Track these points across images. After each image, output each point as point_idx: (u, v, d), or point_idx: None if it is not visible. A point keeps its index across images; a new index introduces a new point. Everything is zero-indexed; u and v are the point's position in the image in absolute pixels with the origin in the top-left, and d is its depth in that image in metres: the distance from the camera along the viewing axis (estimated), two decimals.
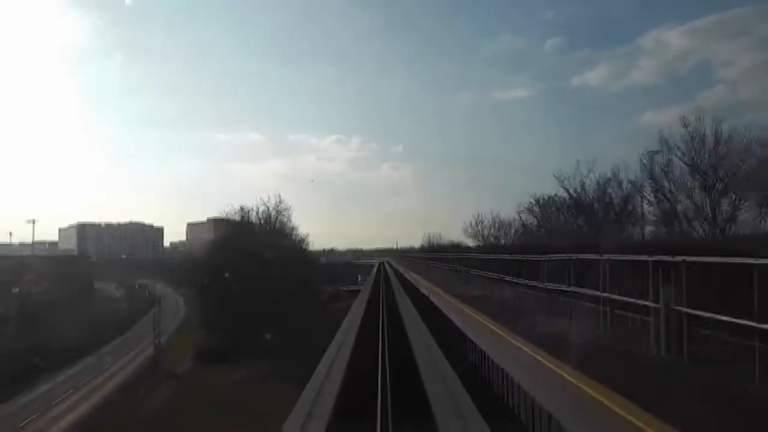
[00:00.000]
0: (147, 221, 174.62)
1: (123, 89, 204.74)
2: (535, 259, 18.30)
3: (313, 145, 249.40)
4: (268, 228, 43.92)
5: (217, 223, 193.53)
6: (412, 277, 53.64)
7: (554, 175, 30.30)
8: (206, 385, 28.38)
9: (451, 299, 26.11)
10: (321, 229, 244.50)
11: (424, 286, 36.09)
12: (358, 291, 52.82)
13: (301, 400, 10.92)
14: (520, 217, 40.56)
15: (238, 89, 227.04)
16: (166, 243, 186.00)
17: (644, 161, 24.41)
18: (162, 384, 28.22)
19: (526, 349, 12.41)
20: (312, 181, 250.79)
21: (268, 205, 46.02)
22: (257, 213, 45.29)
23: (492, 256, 28.51)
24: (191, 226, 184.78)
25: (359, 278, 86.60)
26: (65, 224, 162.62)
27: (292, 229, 49.15)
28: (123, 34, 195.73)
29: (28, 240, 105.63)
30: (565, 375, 9.53)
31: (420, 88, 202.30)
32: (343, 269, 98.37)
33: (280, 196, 48.47)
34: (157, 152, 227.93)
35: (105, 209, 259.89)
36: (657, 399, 7.74)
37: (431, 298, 27.54)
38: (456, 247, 71.21)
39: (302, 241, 52.35)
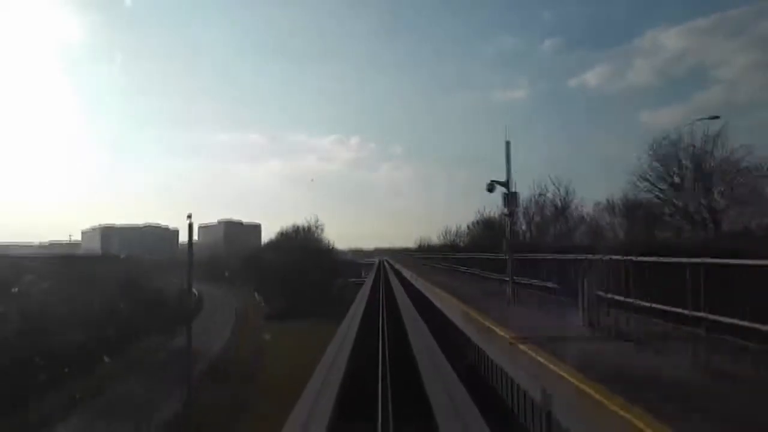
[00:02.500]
0: (146, 222, 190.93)
1: (121, 90, 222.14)
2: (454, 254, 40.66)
3: (313, 146, 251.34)
4: (308, 235, 67.15)
5: (227, 225, 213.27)
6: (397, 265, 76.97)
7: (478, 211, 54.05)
8: (280, 330, 50.40)
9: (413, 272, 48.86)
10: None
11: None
12: (362, 283, 75.41)
13: (337, 333, 26.44)
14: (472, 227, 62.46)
15: (238, 90, 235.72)
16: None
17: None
18: (254, 331, 50.44)
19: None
20: (312, 180, 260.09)
21: (310, 222, 70.45)
22: (303, 227, 69.25)
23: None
24: (203, 228, 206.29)
25: (363, 273, 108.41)
26: (87, 226, 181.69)
27: (320, 236, 72.48)
28: (123, 34, 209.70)
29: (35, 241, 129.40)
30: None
31: (419, 88, 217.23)
32: (349, 266, 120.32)
33: (317, 217, 72.82)
34: (157, 152, 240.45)
35: (107, 210, 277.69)
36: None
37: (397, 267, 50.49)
38: (440, 248, 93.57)
39: (329, 245, 75.97)
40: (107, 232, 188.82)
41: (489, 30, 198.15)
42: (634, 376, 8.11)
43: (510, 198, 19.78)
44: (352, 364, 16.32)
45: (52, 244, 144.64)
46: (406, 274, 48.92)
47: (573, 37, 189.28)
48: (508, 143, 19.33)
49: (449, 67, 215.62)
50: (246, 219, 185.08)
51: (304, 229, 68.33)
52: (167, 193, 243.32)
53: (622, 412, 6.41)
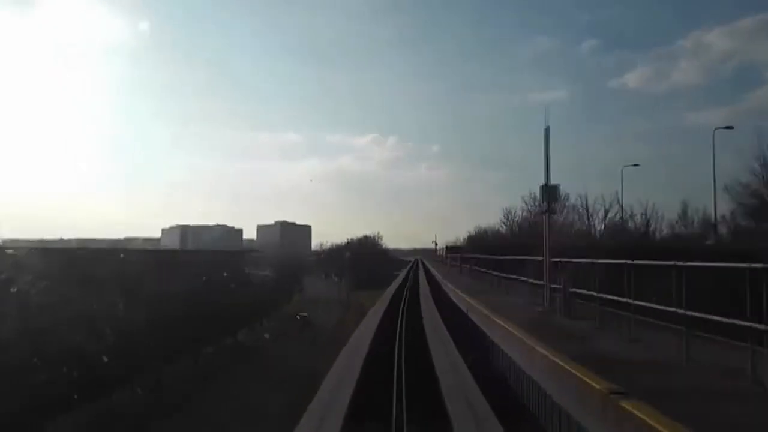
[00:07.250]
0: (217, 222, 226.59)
1: (158, 90, 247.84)
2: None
3: (350, 145, 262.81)
4: (373, 241, 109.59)
5: (283, 225, 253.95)
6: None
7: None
8: (362, 294, 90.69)
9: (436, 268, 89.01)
10: (357, 227, 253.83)
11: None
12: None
13: (385, 292, 68.55)
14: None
15: (278, 90, 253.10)
16: None
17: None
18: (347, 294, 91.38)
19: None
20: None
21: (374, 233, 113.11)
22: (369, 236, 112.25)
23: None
24: (261, 228, 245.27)
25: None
26: (166, 225, 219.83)
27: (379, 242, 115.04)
28: (170, 39, 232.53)
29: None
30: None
31: (456, 89, 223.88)
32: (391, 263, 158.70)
33: (379, 232, 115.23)
34: (191, 150, 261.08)
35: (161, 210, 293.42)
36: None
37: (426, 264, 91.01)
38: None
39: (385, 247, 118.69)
40: (185, 231, 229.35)
41: (525, 32, 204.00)
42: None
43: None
44: (394, 297, 51.16)
45: (128, 239, 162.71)
46: (429, 265, 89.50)
47: (612, 39, 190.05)
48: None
49: (485, 68, 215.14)
50: (280, 217, 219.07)
51: (370, 237, 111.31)
52: (197, 193, 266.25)
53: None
